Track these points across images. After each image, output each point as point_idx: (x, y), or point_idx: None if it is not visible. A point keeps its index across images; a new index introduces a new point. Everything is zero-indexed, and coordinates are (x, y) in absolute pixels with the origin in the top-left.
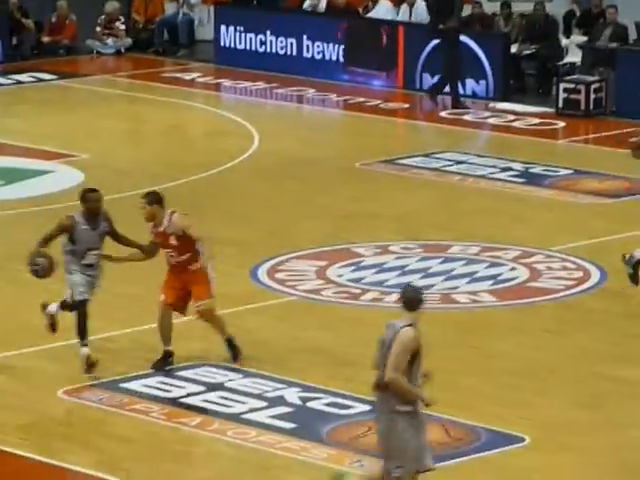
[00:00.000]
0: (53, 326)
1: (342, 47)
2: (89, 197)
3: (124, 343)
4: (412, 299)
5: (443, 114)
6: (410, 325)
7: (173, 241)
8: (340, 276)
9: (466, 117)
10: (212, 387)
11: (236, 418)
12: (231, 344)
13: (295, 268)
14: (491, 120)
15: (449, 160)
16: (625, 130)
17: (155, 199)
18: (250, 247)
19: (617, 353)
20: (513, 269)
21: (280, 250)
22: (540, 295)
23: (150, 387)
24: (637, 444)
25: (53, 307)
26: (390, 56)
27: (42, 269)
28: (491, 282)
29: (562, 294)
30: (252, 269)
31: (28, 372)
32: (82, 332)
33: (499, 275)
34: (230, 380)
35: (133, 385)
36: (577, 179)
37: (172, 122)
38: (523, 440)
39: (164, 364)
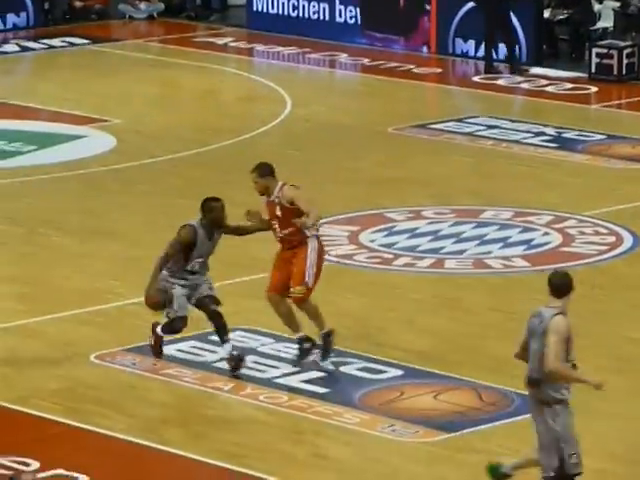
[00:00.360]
0: (158, 349)
1: (358, 10)
2: (215, 207)
3: None
4: (561, 285)
5: (476, 79)
6: (560, 313)
7: (278, 212)
8: (372, 241)
9: (499, 82)
10: (244, 351)
11: (268, 383)
12: (326, 339)
13: (327, 233)
14: (524, 85)
15: (482, 125)
16: None
17: (267, 171)
18: None
19: None
20: (546, 234)
21: None
22: (573, 260)
23: (183, 352)
24: None
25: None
26: (409, 19)
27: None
28: (524, 247)
29: (594, 259)
30: None
31: (61, 337)
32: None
33: (532, 240)
34: (262, 345)
35: (166, 350)
36: (610, 144)
37: (204, 87)
38: None
39: (306, 354)
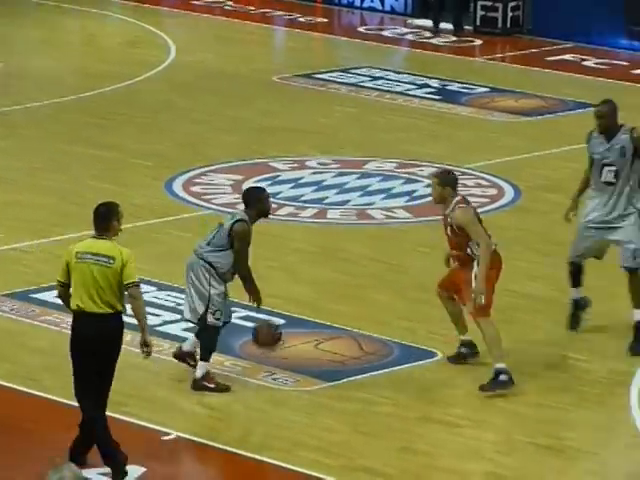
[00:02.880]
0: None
1: None
2: (263, 197)
3: (36, 253)
4: None
5: (361, 29)
6: None
7: (448, 231)
8: None
9: (384, 33)
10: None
11: (150, 330)
12: (497, 375)
13: (211, 182)
14: (409, 37)
15: (367, 76)
16: (541, 49)
17: (449, 181)
18: (166, 160)
19: (529, 270)
20: (428, 186)
21: (196, 163)
22: None
23: None
24: (547, 360)
25: (189, 343)
26: None
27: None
28: (406, 198)
29: None
30: (167, 182)
31: None
32: (210, 352)
33: (414, 192)
34: (144, 292)
35: (46, 296)
36: (493, 97)
37: (88, 32)
38: (434, 355)
39: (459, 357)
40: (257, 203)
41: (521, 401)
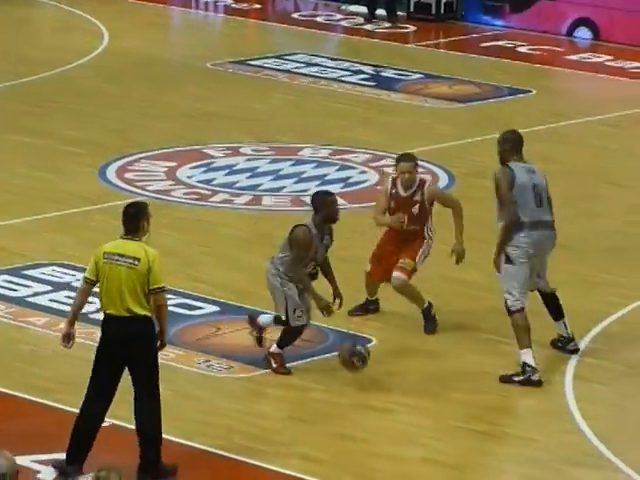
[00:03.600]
0: (260, 340)
1: None
2: (331, 201)
3: None
4: None
5: (295, 15)
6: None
7: (415, 209)
8: (190, 177)
9: (318, 19)
10: (59, 287)
11: (83, 318)
12: (427, 315)
13: (144, 168)
14: (343, 23)
15: (301, 62)
16: (474, 35)
17: (416, 162)
18: (99, 147)
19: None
20: (363, 172)
21: (129, 150)
22: None
23: None
24: (481, 346)
25: (266, 319)
26: None
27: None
28: (341, 185)
29: None
30: (101, 169)
31: None
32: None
33: (349, 178)
34: (77, 280)
35: None
36: (427, 83)
37: (18, 17)
38: (370, 341)
39: (364, 310)
40: (323, 207)
41: (456, 387)
